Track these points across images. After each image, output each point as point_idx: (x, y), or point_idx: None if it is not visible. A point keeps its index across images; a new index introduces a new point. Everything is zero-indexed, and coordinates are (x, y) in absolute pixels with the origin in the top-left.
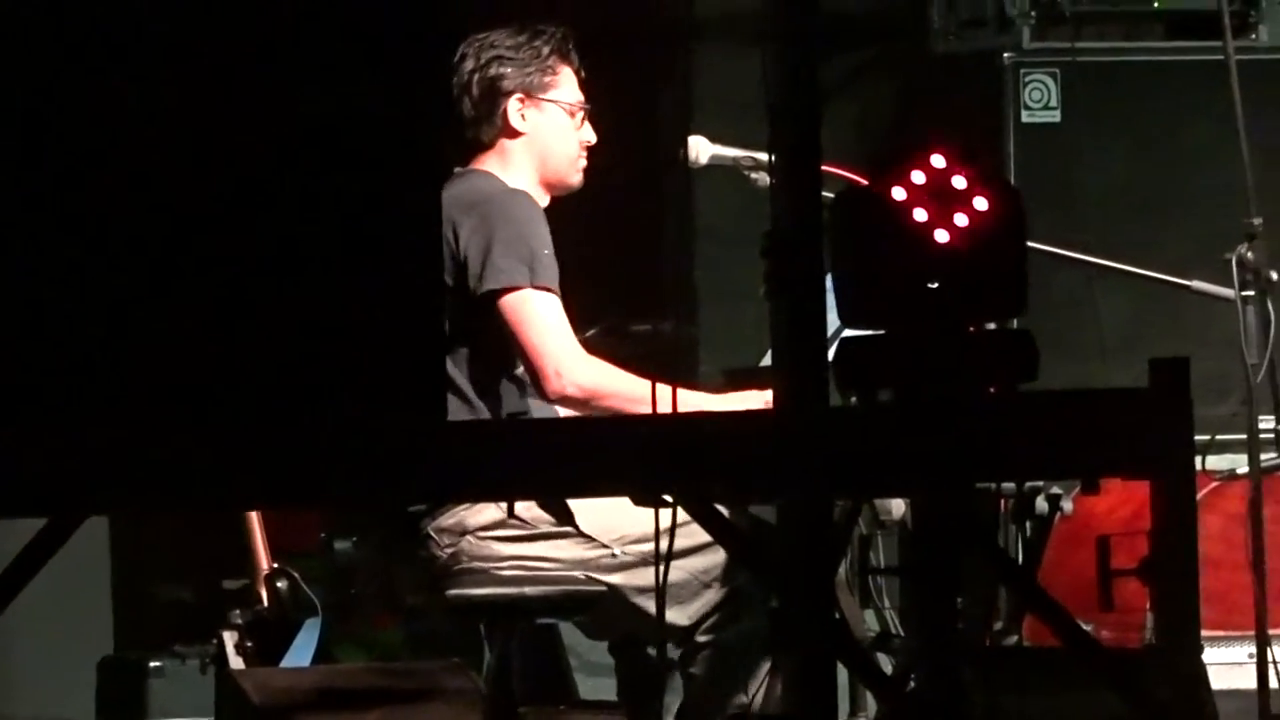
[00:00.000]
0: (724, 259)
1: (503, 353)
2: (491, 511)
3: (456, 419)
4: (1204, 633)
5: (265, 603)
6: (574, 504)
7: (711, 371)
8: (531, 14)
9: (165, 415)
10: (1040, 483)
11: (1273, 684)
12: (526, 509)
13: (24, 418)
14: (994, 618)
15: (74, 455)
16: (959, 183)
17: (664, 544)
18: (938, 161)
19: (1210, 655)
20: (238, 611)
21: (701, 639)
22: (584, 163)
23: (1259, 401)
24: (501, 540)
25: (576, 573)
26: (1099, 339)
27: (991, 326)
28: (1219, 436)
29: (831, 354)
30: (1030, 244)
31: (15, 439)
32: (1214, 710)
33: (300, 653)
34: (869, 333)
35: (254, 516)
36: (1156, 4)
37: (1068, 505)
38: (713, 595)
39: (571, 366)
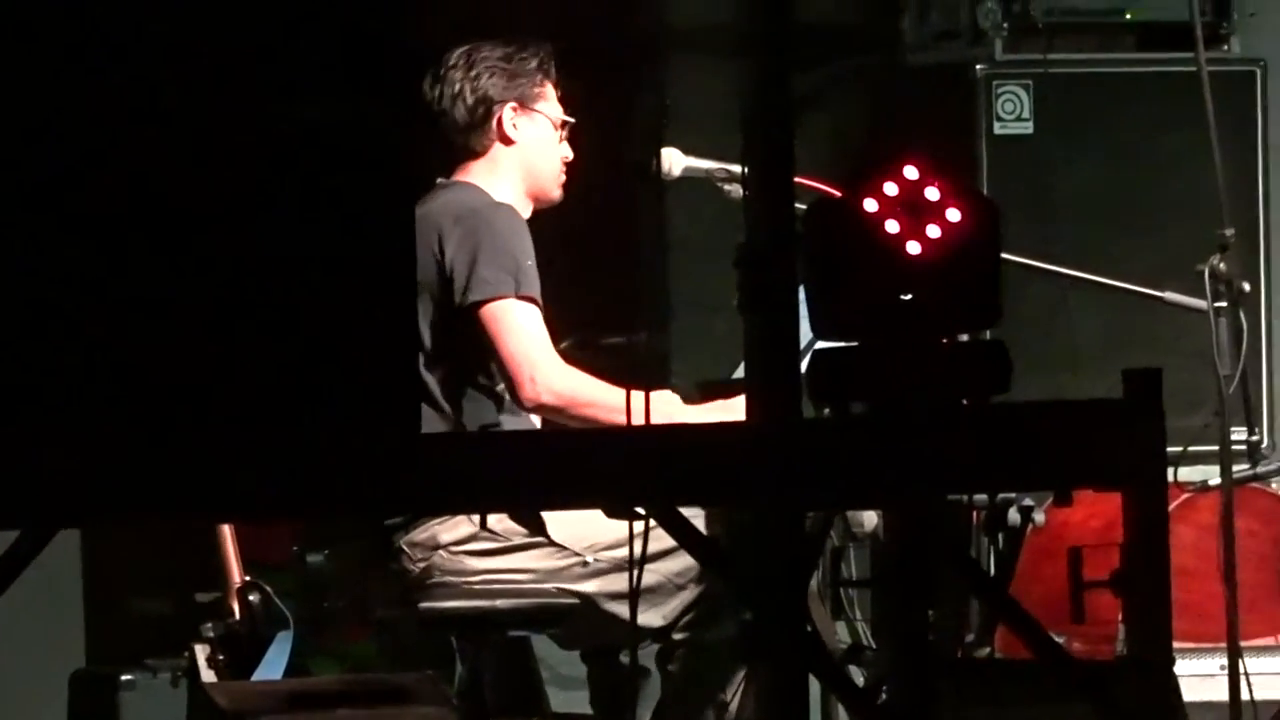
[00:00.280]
0: (697, 271)
1: (483, 365)
2: (464, 526)
3: (432, 431)
4: (1176, 645)
5: (237, 616)
6: (545, 513)
7: (684, 384)
8: (505, 27)
9: (138, 428)
10: (1012, 494)
11: (1245, 696)
12: (498, 521)
13: None
14: (966, 630)
15: (46, 468)
16: (932, 194)
17: (637, 547)
18: (910, 173)
19: (1182, 667)
20: (209, 624)
21: (678, 637)
22: (564, 178)
23: (1231, 413)
24: (474, 555)
25: (548, 585)
26: (1072, 350)
27: (964, 338)
28: (1191, 448)
29: (804, 366)
30: (1003, 255)
31: None
32: None
33: (272, 666)
34: (842, 345)
35: (226, 529)
36: (1129, 15)
37: (1040, 517)
38: (687, 596)
39: (548, 374)
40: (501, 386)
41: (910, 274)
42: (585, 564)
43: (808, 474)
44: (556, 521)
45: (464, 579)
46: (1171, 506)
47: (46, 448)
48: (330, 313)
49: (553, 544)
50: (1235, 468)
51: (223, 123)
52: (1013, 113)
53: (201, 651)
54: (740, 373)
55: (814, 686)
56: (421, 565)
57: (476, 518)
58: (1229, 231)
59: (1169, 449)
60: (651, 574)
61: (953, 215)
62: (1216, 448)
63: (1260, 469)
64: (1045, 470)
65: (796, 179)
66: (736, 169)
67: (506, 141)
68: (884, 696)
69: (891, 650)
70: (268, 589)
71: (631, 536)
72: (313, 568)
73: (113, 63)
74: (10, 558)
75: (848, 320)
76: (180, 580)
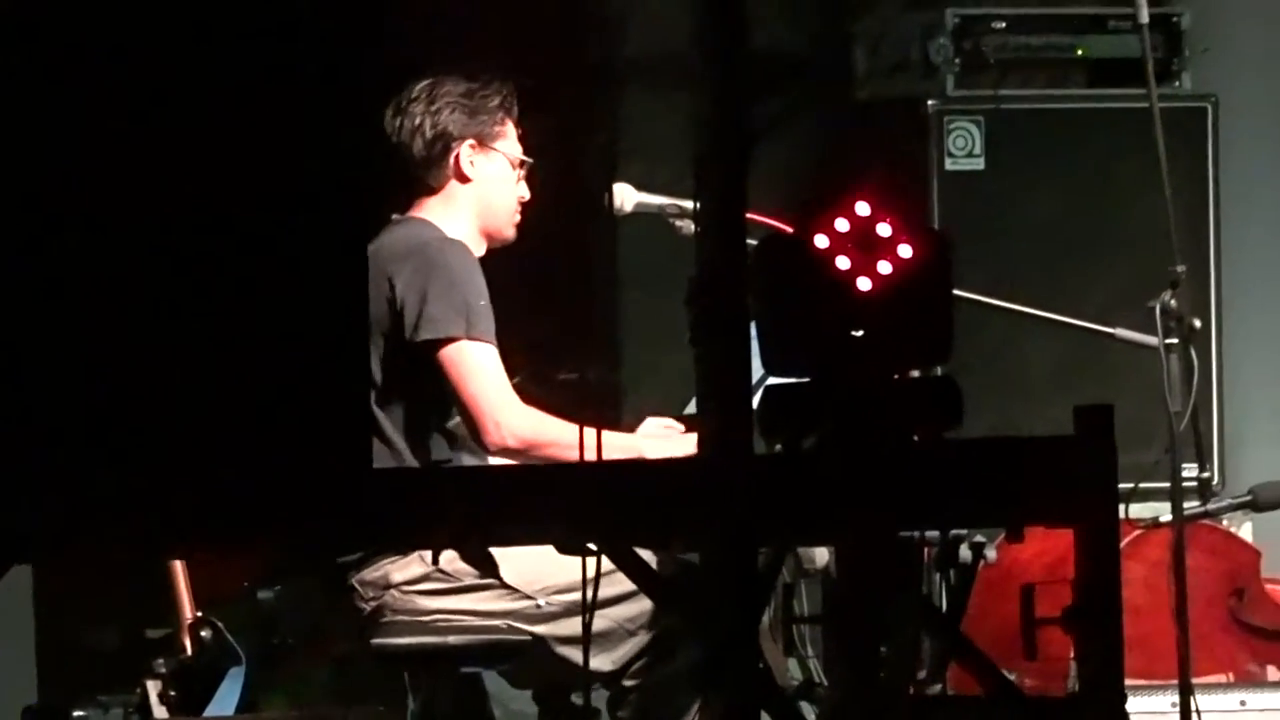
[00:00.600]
0: (648, 306)
1: (435, 402)
2: (416, 566)
3: (382, 467)
4: (1128, 681)
5: (189, 651)
6: (498, 554)
7: (635, 420)
8: (456, 59)
9: (89, 463)
10: (964, 530)
11: None
12: (450, 561)
13: None
14: (918, 666)
15: None
16: (883, 230)
17: (589, 593)
18: (862, 209)
19: (1134, 704)
20: (161, 660)
21: (628, 684)
22: (519, 218)
23: (1181, 449)
24: (426, 594)
25: (500, 622)
26: (1024, 384)
27: (916, 374)
28: (1142, 484)
29: (756, 401)
30: (955, 291)
31: None
32: None
33: (224, 701)
34: (793, 380)
35: (177, 565)
36: (1080, 51)
37: (991, 553)
38: (639, 641)
39: (509, 418)
40: (454, 423)
41: (861, 310)
42: (538, 606)
43: (759, 509)
44: (509, 562)
45: (416, 618)
46: (1123, 543)
47: None
48: (282, 348)
49: (505, 586)
50: (1186, 504)
51: (172, 160)
52: (964, 148)
53: (153, 687)
54: (692, 408)
55: None
56: (373, 604)
57: (429, 556)
58: (1180, 268)
59: (1120, 485)
60: (603, 619)
61: (904, 251)
62: (1167, 484)
63: (1211, 506)
64: (997, 506)
65: (748, 214)
66: (689, 204)
67: (463, 179)
68: None
69: (843, 687)
70: (219, 625)
71: (585, 576)
72: (265, 604)
73: (52, 107)
74: None
75: (799, 356)
76: (132, 615)
